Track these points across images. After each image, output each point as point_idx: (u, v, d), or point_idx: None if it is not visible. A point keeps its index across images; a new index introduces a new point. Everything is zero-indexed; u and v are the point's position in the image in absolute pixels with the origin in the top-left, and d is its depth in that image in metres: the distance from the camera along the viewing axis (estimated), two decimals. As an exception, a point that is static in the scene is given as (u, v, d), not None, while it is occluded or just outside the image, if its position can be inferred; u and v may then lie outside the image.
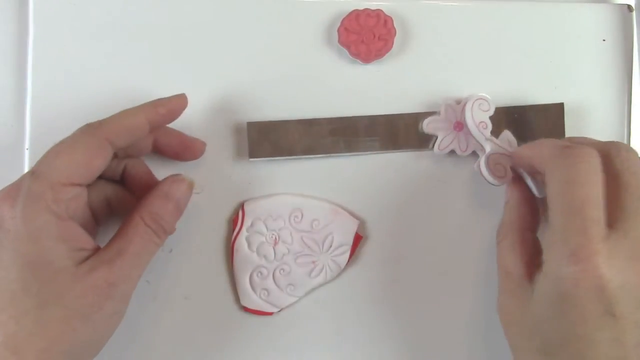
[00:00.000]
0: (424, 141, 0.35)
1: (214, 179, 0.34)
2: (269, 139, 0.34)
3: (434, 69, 0.35)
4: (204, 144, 0.33)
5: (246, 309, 0.34)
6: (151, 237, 0.28)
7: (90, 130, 0.28)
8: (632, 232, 0.25)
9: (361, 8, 0.34)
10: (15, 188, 0.26)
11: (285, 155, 0.34)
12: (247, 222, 0.34)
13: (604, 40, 0.36)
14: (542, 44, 0.36)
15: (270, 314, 0.34)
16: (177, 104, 0.31)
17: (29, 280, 0.25)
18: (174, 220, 0.30)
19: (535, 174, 0.32)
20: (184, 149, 0.33)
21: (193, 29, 0.34)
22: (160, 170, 0.33)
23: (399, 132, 0.35)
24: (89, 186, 0.31)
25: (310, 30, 0.35)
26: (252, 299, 0.34)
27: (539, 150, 0.29)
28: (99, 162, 0.27)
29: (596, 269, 0.24)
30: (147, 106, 0.30)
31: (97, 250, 0.27)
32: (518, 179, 0.33)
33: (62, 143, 0.27)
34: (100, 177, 0.31)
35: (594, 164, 0.26)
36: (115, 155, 0.30)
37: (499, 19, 0.36)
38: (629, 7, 0.37)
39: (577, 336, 0.25)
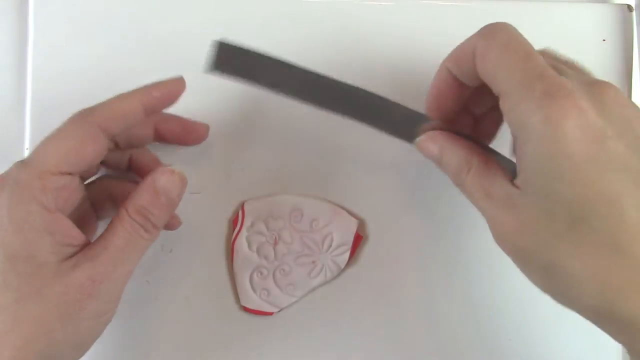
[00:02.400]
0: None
1: (214, 179, 0.34)
2: (237, 61, 0.29)
3: (434, 69, 0.35)
4: (206, 126, 0.32)
5: (246, 309, 0.34)
6: (138, 231, 0.26)
7: (82, 117, 0.26)
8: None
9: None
10: (2, 177, 0.25)
11: (248, 79, 0.29)
12: (247, 222, 0.34)
13: (604, 40, 0.36)
14: (541, 44, 0.36)
15: (270, 314, 0.34)
16: (174, 87, 0.29)
17: (9, 273, 0.24)
18: (164, 215, 0.27)
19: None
20: (187, 133, 0.32)
21: (192, 28, 0.34)
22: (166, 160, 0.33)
23: (390, 117, 0.30)
24: (92, 183, 0.30)
25: (310, 32, 0.35)
26: (252, 299, 0.34)
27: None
28: (91, 148, 0.26)
29: (573, 99, 0.22)
30: (141, 90, 0.28)
31: (86, 245, 0.26)
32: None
33: (53, 131, 0.26)
34: (106, 170, 0.30)
35: None
36: (118, 147, 0.30)
37: (498, 19, 0.36)
38: (629, 7, 0.37)
39: (579, 173, 0.22)
